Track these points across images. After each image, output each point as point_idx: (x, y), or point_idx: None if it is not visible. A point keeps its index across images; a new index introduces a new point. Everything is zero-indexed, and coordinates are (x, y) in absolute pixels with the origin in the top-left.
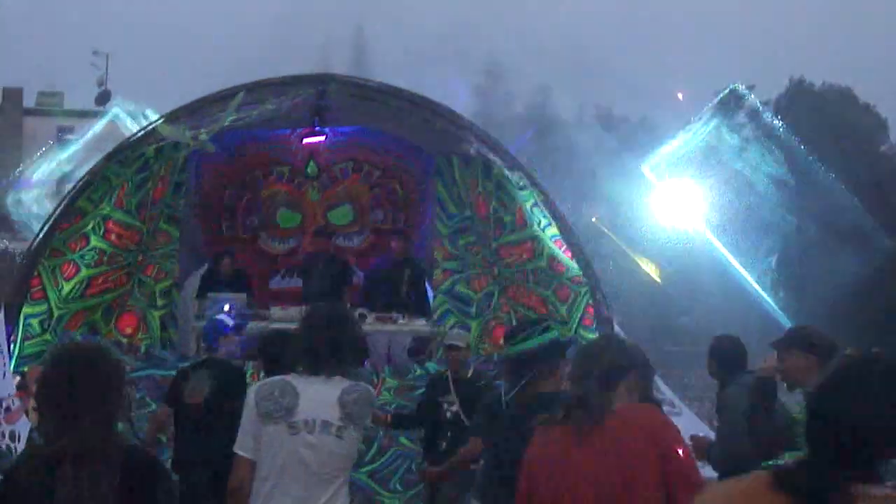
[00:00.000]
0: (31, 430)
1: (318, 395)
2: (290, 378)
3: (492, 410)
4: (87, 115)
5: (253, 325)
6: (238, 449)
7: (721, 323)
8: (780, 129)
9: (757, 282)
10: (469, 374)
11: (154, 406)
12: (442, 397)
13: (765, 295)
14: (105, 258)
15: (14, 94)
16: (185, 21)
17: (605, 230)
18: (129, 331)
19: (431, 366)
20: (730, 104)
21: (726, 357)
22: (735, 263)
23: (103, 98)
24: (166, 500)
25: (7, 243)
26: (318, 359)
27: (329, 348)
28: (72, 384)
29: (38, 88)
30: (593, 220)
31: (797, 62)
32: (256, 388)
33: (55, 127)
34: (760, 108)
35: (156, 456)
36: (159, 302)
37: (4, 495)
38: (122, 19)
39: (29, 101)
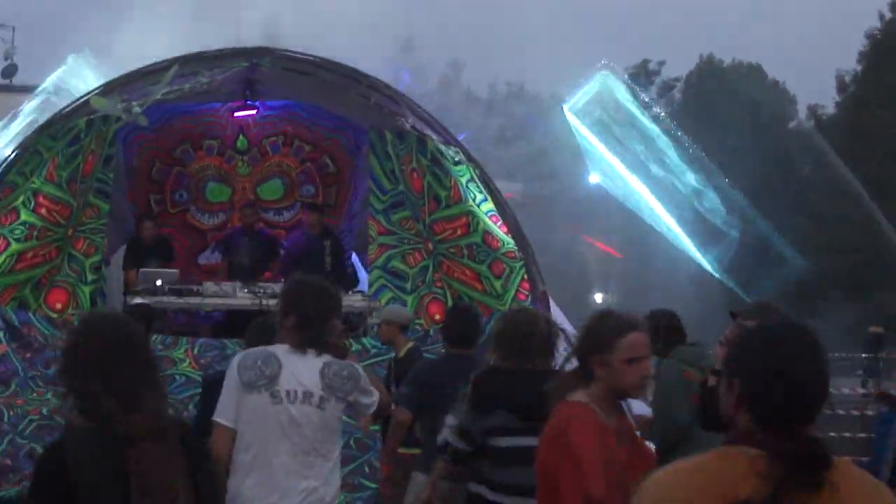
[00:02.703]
0: None
1: (302, 366)
2: (274, 349)
3: (421, 380)
4: None
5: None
6: (218, 417)
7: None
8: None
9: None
10: (402, 353)
11: None
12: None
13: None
14: (35, 232)
15: None
16: None
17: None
18: (58, 306)
19: (367, 341)
20: (640, 79)
21: (664, 330)
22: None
23: (10, 71)
24: (216, 480)
25: None
26: (306, 332)
27: (317, 320)
28: (134, 356)
29: None
30: (506, 195)
31: (707, 39)
32: (240, 357)
33: None
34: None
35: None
36: (89, 277)
37: (67, 475)
38: None
39: None
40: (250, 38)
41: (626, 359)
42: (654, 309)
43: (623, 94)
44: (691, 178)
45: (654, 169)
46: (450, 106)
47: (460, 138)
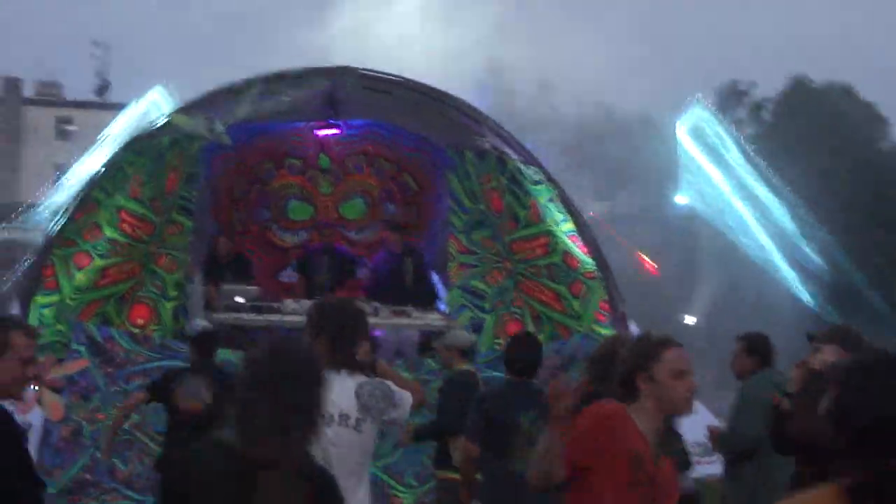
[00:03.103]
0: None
1: (337, 388)
2: None
3: (484, 409)
4: (86, 105)
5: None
6: None
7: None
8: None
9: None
10: (454, 373)
11: None
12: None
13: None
14: (118, 248)
15: (13, 85)
16: (185, 13)
17: (606, 224)
18: (140, 322)
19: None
20: (730, 100)
21: (755, 351)
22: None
23: (103, 89)
24: None
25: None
26: (338, 352)
27: (348, 341)
28: (293, 387)
29: (37, 79)
30: (590, 214)
31: (797, 59)
32: None
33: (54, 117)
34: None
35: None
36: (171, 293)
37: (188, 491)
38: (122, 10)
39: (28, 92)
40: (339, 58)
41: (671, 371)
42: (748, 331)
43: (715, 127)
44: (786, 220)
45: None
46: (538, 125)
47: (531, 149)
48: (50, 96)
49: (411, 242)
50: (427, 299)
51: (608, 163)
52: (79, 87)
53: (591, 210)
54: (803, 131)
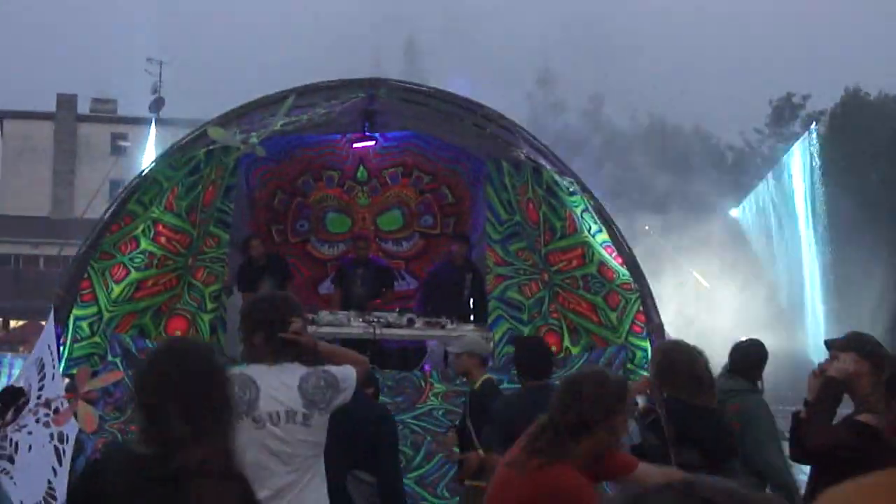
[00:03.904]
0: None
1: (279, 385)
2: (246, 370)
3: (503, 419)
4: (140, 121)
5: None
6: None
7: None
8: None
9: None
10: (478, 385)
11: None
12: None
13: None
14: (155, 261)
15: (68, 101)
16: (237, 29)
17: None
18: (178, 334)
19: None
20: (784, 113)
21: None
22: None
23: (157, 105)
24: None
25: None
26: (276, 345)
27: (271, 335)
28: (203, 387)
29: (92, 95)
30: (646, 227)
31: (852, 71)
32: None
33: (109, 134)
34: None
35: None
36: (209, 305)
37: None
38: (176, 27)
39: (83, 108)
40: (391, 71)
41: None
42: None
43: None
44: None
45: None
46: (590, 138)
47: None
48: (105, 112)
49: (472, 258)
50: (480, 313)
51: (663, 176)
52: (133, 103)
53: (647, 224)
54: (858, 143)
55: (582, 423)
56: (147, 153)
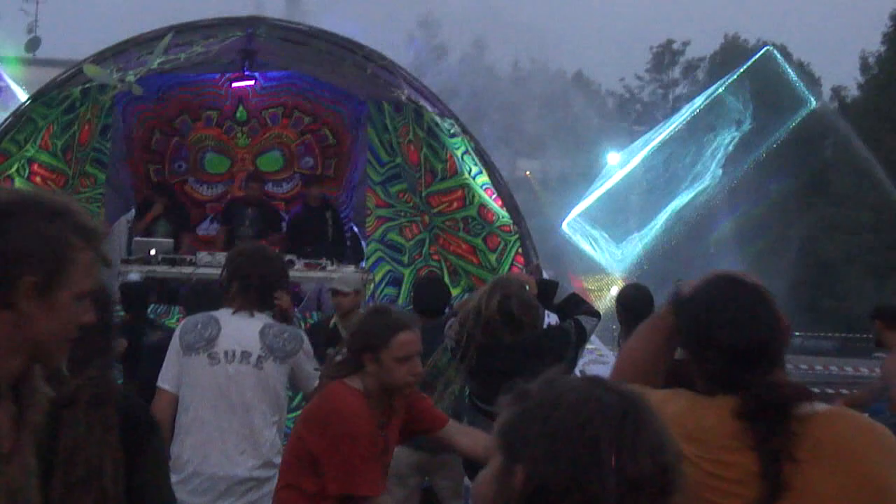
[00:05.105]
0: None
1: (241, 328)
2: (217, 313)
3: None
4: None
5: (178, 271)
6: (161, 383)
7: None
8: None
9: None
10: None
11: None
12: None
13: None
14: None
15: None
16: None
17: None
18: None
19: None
20: (664, 59)
21: (630, 305)
22: None
23: (33, 44)
24: (162, 458)
25: None
26: (248, 296)
27: (259, 284)
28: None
29: None
30: (526, 174)
31: (731, 19)
32: (182, 322)
33: None
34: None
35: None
36: None
37: None
38: None
39: None
40: (272, 11)
41: (396, 357)
42: (627, 283)
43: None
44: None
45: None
46: (472, 83)
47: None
48: None
49: (330, 196)
50: (345, 251)
51: (542, 121)
52: (8, 43)
53: (527, 170)
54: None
55: (358, 349)
56: (18, 93)
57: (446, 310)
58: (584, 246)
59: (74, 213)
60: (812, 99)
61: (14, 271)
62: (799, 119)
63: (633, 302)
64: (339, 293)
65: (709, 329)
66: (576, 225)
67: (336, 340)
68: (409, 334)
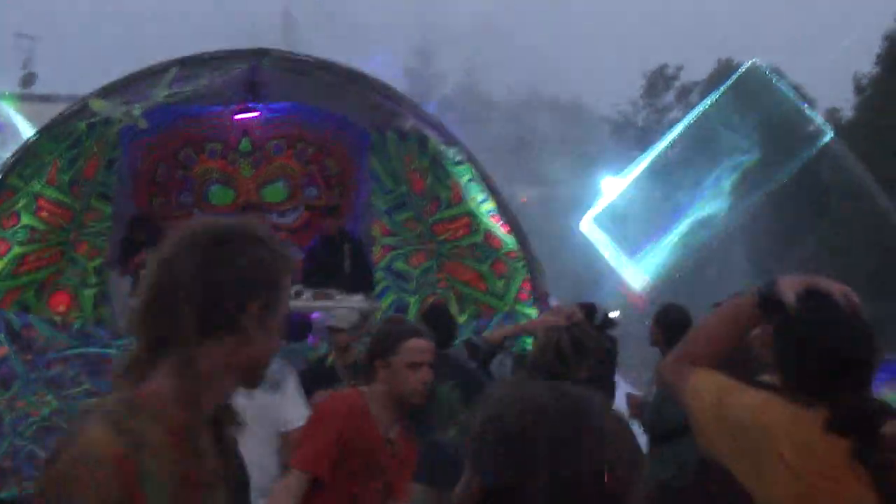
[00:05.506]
0: None
1: None
2: None
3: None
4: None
5: None
6: None
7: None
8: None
9: None
10: (354, 361)
11: (88, 384)
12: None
13: None
14: (37, 235)
15: None
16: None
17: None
18: (61, 308)
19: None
20: (658, 84)
21: (671, 327)
22: None
23: (28, 81)
24: None
25: None
26: None
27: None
28: None
29: None
30: (522, 200)
31: (725, 42)
32: None
33: None
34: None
35: None
36: (92, 280)
37: None
38: (46, 2)
39: None
40: (267, 42)
41: (407, 363)
42: (666, 303)
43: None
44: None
45: None
46: (468, 112)
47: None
48: None
49: (345, 227)
50: (364, 282)
51: (539, 148)
52: (3, 79)
53: (525, 196)
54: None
55: (370, 357)
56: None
57: (455, 341)
58: (604, 252)
59: (273, 239)
60: (829, 131)
61: (244, 297)
62: (815, 151)
63: (676, 324)
64: (335, 329)
65: (817, 339)
66: (593, 227)
67: (333, 380)
68: (420, 341)
